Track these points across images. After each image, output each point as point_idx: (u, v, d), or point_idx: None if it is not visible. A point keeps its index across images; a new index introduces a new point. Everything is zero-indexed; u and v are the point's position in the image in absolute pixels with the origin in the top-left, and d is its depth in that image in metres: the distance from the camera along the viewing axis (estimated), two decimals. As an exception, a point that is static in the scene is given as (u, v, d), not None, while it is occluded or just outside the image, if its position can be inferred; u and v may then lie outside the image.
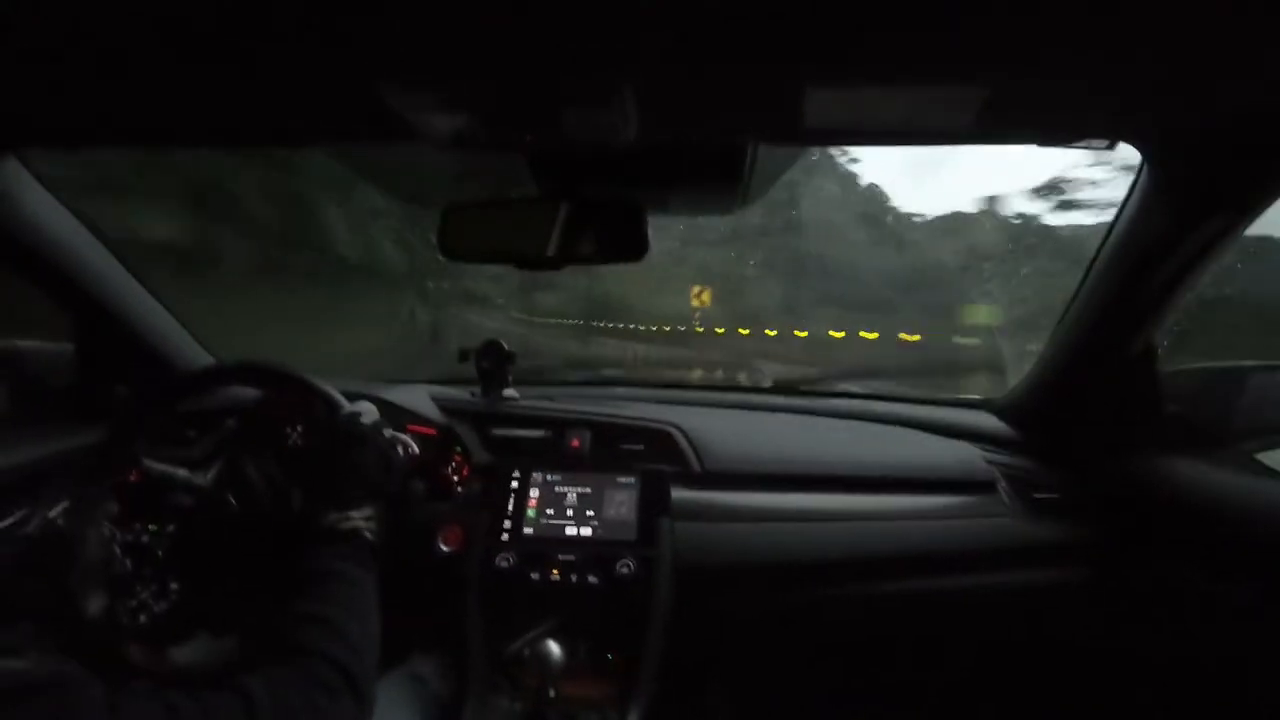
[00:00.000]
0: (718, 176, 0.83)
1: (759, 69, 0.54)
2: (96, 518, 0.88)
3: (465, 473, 1.22)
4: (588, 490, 1.16)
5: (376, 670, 0.71)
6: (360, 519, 0.80)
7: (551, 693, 0.94)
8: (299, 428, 0.97)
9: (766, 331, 4.70)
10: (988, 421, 1.32)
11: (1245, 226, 0.83)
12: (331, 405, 0.94)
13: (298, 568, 0.74)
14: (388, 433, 0.93)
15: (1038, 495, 1.17)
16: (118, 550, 0.88)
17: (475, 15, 0.45)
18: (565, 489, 1.17)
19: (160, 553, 0.91)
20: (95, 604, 0.84)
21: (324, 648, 0.66)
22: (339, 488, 0.83)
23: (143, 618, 0.87)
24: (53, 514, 0.87)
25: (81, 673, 0.51)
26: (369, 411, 0.92)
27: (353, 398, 0.99)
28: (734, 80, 0.56)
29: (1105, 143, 0.78)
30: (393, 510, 0.94)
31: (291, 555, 0.77)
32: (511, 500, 1.16)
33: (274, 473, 0.94)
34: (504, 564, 1.09)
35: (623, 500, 1.15)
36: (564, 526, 1.14)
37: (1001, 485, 1.18)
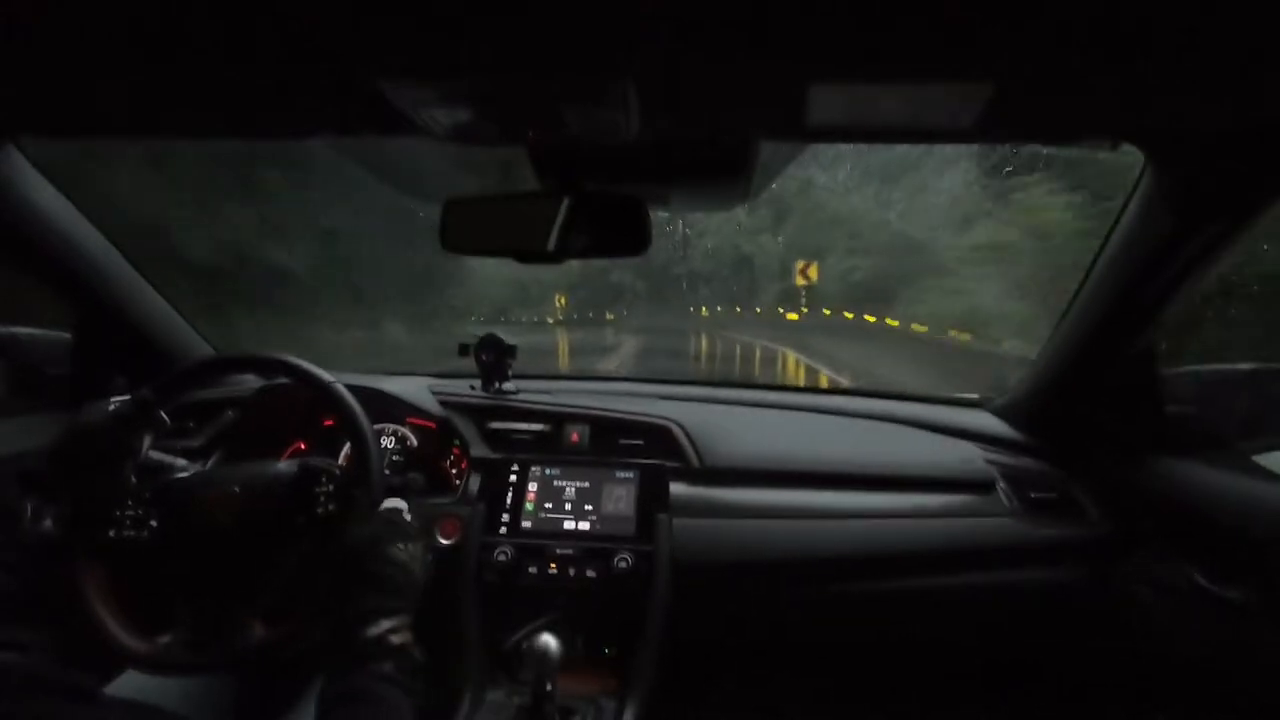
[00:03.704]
0: (720, 173, 0.83)
1: (762, 66, 0.53)
2: (140, 425, 0.93)
3: (464, 466, 1.23)
4: (586, 485, 1.17)
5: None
6: (405, 629, 0.73)
7: (549, 686, 0.94)
8: (330, 486, 0.94)
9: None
10: (987, 421, 1.33)
11: (1246, 229, 0.83)
12: (362, 442, 0.94)
13: (339, 685, 0.67)
14: (431, 559, 0.88)
15: (1036, 495, 1.17)
16: (135, 466, 0.93)
17: (477, 10, 0.45)
18: (564, 483, 1.17)
19: (157, 553, 0.92)
20: (100, 487, 0.89)
21: None
22: (388, 591, 0.76)
23: (111, 532, 0.89)
24: (113, 407, 0.92)
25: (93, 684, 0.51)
26: (403, 509, 0.89)
27: (351, 389, 1.00)
28: (737, 77, 0.56)
29: (1108, 143, 0.78)
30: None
31: (331, 668, 0.71)
32: (510, 494, 1.16)
33: (286, 479, 0.95)
34: (502, 557, 1.09)
35: (621, 495, 1.15)
36: (562, 521, 1.14)
37: (1000, 485, 1.19)
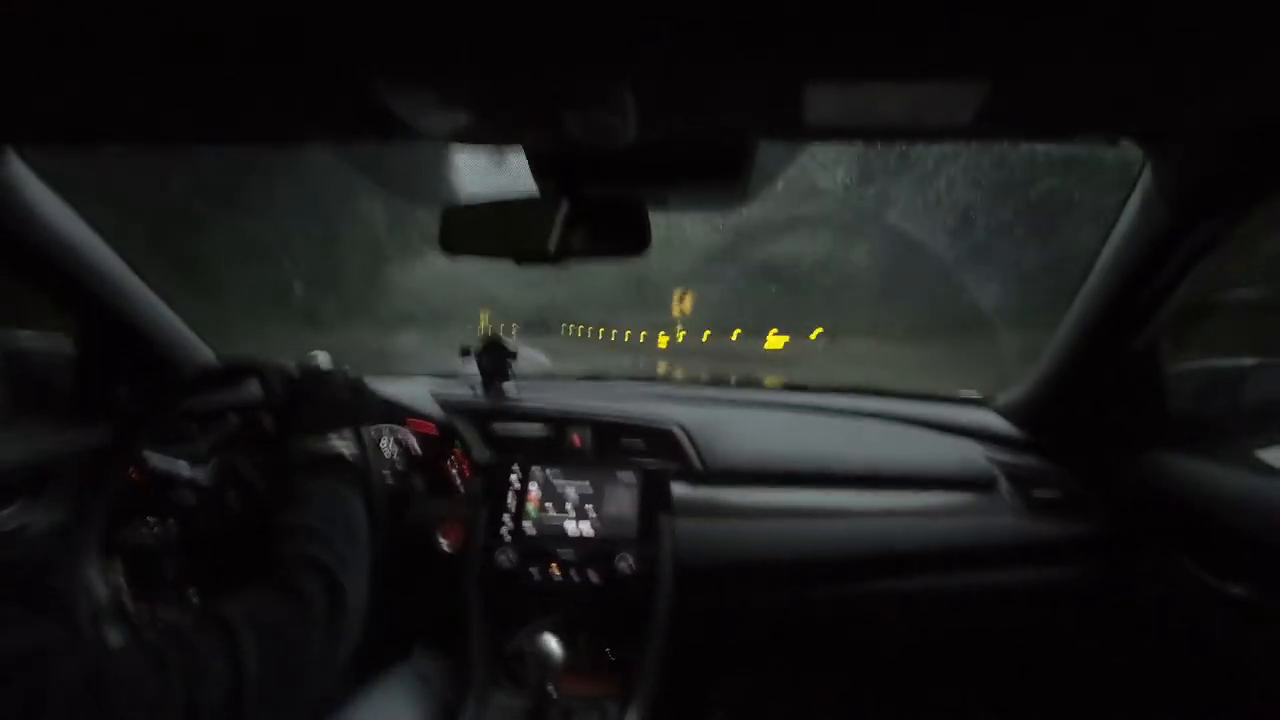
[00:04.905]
0: (718, 174, 0.83)
1: (759, 66, 0.54)
2: (95, 550, 0.86)
3: (466, 469, 1.23)
4: (588, 487, 1.17)
5: (367, 618, 0.69)
6: (339, 442, 0.80)
7: (552, 689, 0.94)
8: (270, 415, 0.98)
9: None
10: (989, 419, 1.32)
11: (1246, 225, 0.83)
12: (283, 371, 0.96)
13: (280, 492, 0.74)
14: (348, 368, 0.95)
15: (1039, 493, 1.16)
16: (123, 582, 0.88)
17: (474, 14, 0.45)
18: (566, 486, 1.17)
19: (166, 560, 0.91)
20: (114, 637, 0.83)
21: (303, 549, 0.65)
22: (310, 417, 0.83)
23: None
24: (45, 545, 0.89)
25: (65, 643, 0.49)
26: (324, 359, 0.95)
27: None
28: (734, 77, 0.56)
29: (1107, 140, 0.78)
30: (393, 505, 0.94)
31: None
32: (512, 497, 1.16)
33: (263, 464, 0.95)
34: (504, 561, 1.09)
35: (623, 497, 1.15)
36: (564, 523, 1.14)
37: (1003, 483, 1.18)
